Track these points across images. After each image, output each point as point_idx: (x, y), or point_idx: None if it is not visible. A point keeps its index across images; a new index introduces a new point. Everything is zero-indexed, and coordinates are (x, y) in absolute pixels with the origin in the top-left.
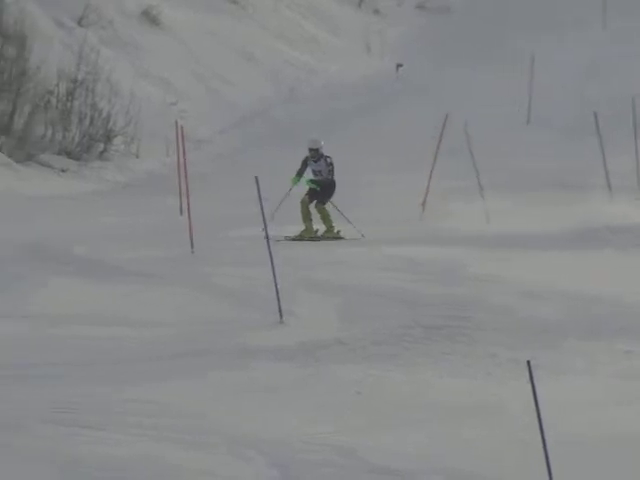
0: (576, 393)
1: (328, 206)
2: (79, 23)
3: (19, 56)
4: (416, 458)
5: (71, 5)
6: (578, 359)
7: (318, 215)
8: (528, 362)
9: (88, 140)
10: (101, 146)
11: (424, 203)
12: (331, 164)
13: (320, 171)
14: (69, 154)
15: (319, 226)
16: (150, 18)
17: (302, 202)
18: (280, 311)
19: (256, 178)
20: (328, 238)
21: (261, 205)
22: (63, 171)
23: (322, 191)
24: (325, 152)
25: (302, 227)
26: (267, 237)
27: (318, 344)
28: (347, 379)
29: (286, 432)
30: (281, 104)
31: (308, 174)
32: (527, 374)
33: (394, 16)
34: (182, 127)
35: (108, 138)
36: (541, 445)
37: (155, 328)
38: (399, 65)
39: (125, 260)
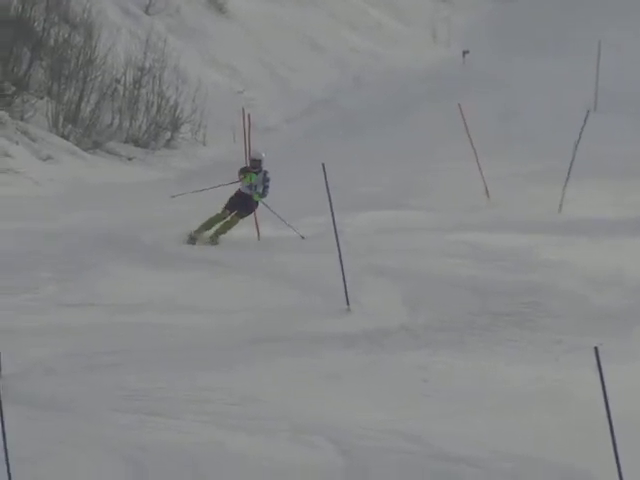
0: None
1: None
2: (146, 11)
3: (86, 44)
4: (482, 444)
5: None
6: None
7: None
8: (595, 348)
9: (155, 128)
10: (168, 134)
11: (487, 191)
12: (268, 179)
13: (255, 185)
14: (136, 142)
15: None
16: (217, 6)
17: (220, 214)
18: (347, 298)
19: (323, 165)
20: (208, 239)
21: (328, 192)
22: (130, 159)
23: (248, 206)
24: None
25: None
26: (334, 225)
27: (384, 331)
28: (413, 366)
29: (351, 419)
30: (347, 91)
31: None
32: (594, 360)
33: (461, 3)
34: (249, 115)
35: (175, 126)
36: (608, 431)
37: (221, 315)
38: (465, 52)
39: (191, 248)
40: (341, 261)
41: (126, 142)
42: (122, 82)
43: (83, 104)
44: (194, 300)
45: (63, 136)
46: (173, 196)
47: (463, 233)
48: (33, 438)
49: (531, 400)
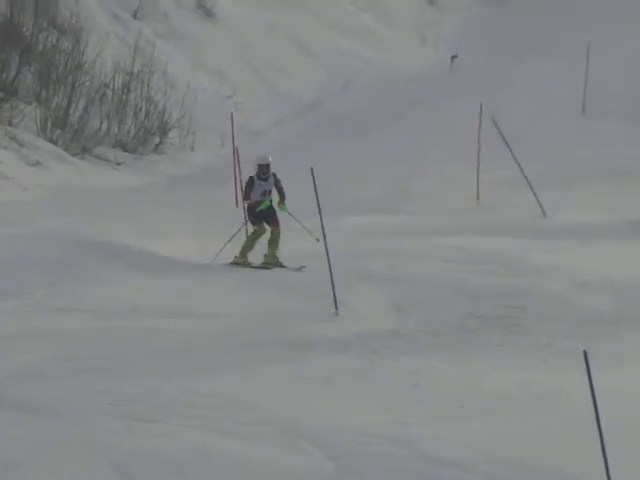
0: (632, 381)
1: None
2: (134, 16)
3: (75, 49)
4: (473, 449)
5: None
6: (634, 348)
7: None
8: (584, 352)
9: (143, 133)
10: (156, 139)
11: (478, 194)
12: (280, 180)
13: (269, 190)
14: (124, 147)
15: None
16: (205, 11)
17: (258, 232)
18: (335, 303)
19: (311, 169)
20: (269, 264)
21: (317, 197)
22: (118, 164)
23: (273, 213)
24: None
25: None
26: (323, 229)
27: (373, 335)
28: (402, 370)
29: (342, 424)
30: (336, 95)
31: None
32: (582, 364)
33: (449, 6)
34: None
35: (163, 131)
36: (598, 435)
37: (209, 321)
38: (454, 56)
39: (181, 253)
40: (329, 265)
41: (114, 147)
42: (110, 87)
43: (71, 109)
44: (183, 305)
45: (51, 141)
46: (210, 263)
47: (452, 237)
48: (21, 443)
49: (520, 404)
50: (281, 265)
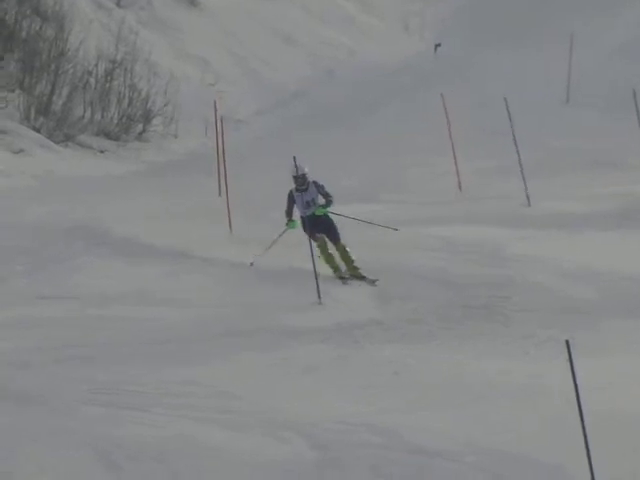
0: (613, 372)
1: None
2: (118, 4)
3: (58, 37)
4: (455, 438)
5: None
6: (615, 338)
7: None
8: (567, 341)
9: (127, 121)
10: (140, 127)
11: (459, 184)
12: (322, 185)
13: (312, 200)
14: (108, 135)
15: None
16: None
17: (323, 245)
18: (318, 292)
19: (294, 158)
20: (356, 277)
21: (300, 186)
22: (102, 152)
23: (326, 222)
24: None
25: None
26: (304, 219)
27: (356, 324)
28: (384, 359)
29: (324, 413)
30: (320, 85)
31: (296, 211)
32: (565, 353)
33: None
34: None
35: (147, 119)
36: (579, 424)
37: (194, 309)
38: (437, 45)
39: (164, 241)
40: (312, 255)
41: (97, 135)
42: (94, 75)
43: (55, 97)
44: (167, 293)
45: (35, 129)
46: (251, 264)
47: (435, 226)
48: (3, 431)
49: (503, 393)
50: (362, 277)
